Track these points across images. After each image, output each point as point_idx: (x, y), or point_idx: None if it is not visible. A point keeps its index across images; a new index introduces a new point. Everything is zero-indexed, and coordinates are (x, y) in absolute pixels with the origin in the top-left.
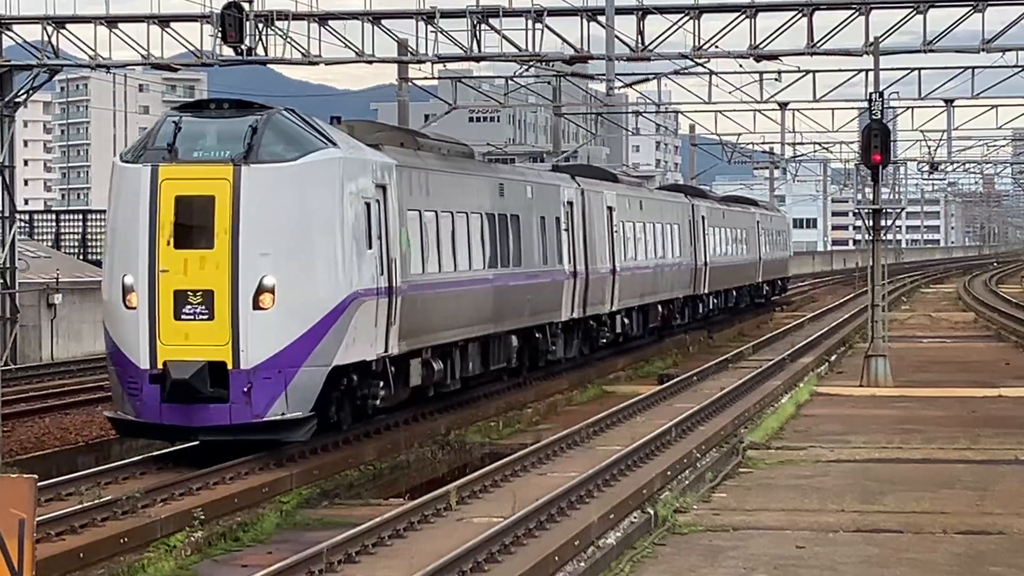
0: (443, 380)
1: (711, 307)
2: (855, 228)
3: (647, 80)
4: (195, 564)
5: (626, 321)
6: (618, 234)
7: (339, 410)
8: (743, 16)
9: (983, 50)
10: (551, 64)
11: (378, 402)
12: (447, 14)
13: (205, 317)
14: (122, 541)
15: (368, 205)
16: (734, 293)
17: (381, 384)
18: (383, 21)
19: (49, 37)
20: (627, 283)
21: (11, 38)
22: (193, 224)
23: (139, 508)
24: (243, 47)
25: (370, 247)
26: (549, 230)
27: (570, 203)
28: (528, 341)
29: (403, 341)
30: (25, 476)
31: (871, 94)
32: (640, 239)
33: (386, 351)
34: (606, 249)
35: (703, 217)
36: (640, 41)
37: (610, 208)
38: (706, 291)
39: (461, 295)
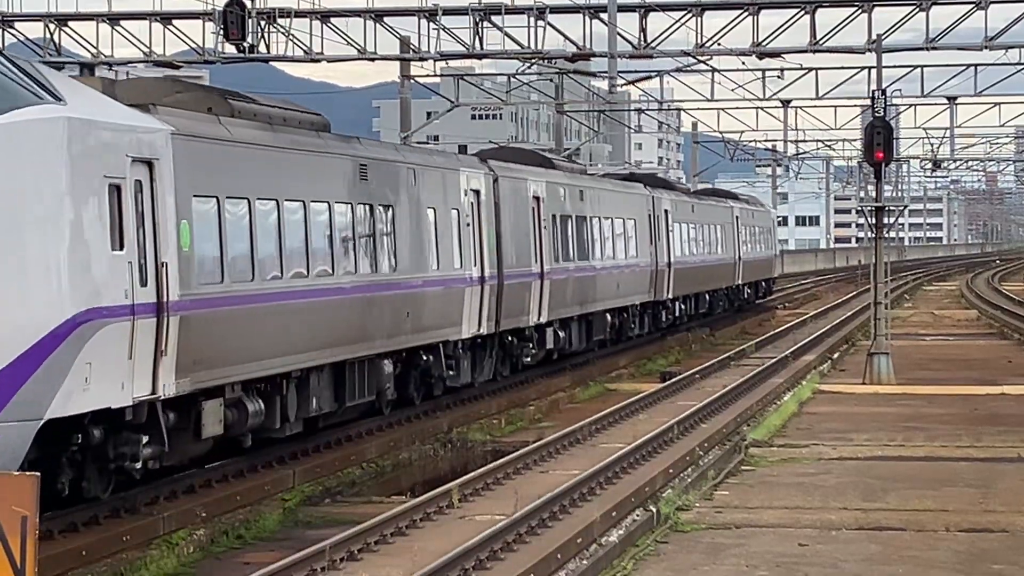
0: (269, 424)
1: (677, 314)
2: (858, 226)
3: (649, 78)
4: (198, 562)
5: (561, 334)
6: (548, 230)
7: (81, 478)
8: (746, 13)
9: (986, 47)
10: (553, 61)
11: (142, 464)
12: (449, 11)
13: None
14: (124, 539)
15: (118, 188)
16: (707, 297)
17: (146, 440)
18: (385, 18)
19: (51, 35)
20: (561, 289)
21: (13, 35)
22: None
23: (141, 506)
24: (245, 44)
25: (120, 247)
26: (442, 225)
27: (476, 191)
28: (413, 365)
29: (184, 377)
30: (28, 474)
31: (874, 91)
32: (581, 236)
33: (153, 392)
34: (530, 249)
35: (667, 211)
36: (642, 38)
37: (537, 198)
38: (670, 296)
39: (293, 311)
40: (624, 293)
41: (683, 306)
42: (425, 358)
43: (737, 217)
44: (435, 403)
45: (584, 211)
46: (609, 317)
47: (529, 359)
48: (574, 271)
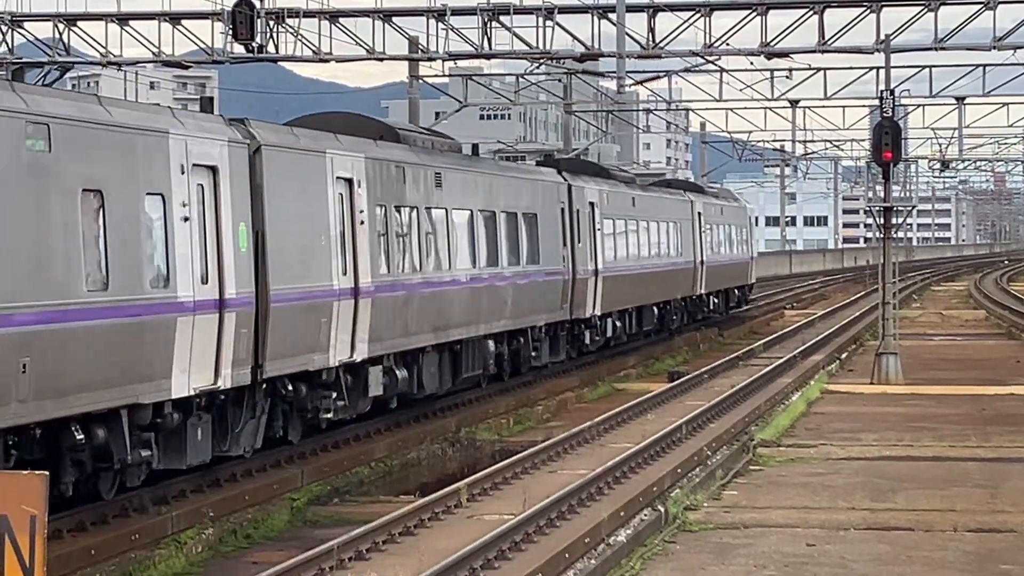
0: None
1: (605, 333)
2: (866, 226)
3: (658, 78)
4: (206, 561)
5: (399, 374)
6: (383, 233)
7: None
8: (754, 14)
9: (994, 48)
10: (562, 62)
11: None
12: (458, 11)
13: None
14: (133, 538)
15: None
16: (654, 311)
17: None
18: (394, 19)
19: (60, 34)
20: (389, 311)
21: (23, 35)
22: None
23: (150, 505)
24: (254, 44)
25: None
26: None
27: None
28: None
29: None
30: (37, 473)
31: (882, 92)
32: (441, 237)
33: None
34: (333, 260)
35: (592, 204)
36: (651, 39)
37: (349, 181)
38: (597, 312)
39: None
40: (521, 312)
41: (617, 323)
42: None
43: (699, 213)
44: (442, 403)
45: (444, 202)
46: (492, 345)
47: (328, 416)
48: (421, 286)
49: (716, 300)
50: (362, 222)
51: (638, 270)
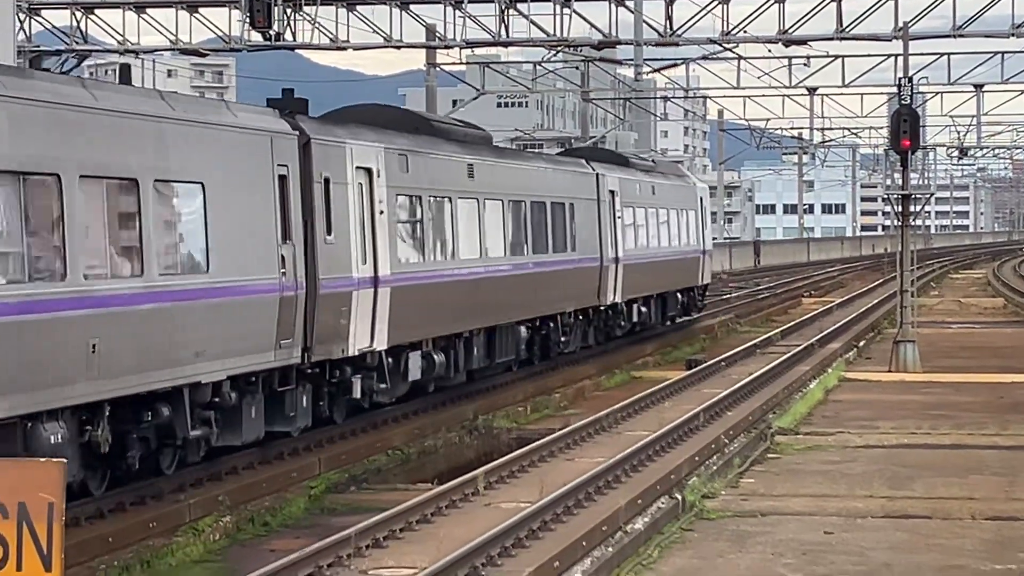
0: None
1: (414, 373)
2: (884, 214)
3: (675, 65)
4: (224, 549)
5: (437, 359)
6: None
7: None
8: (772, 1)
9: (1013, 35)
10: (579, 49)
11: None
12: None
13: None
14: (151, 526)
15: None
16: (522, 332)
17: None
18: (411, 6)
19: (78, 23)
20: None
21: (40, 23)
22: None
23: (167, 493)
24: (271, 32)
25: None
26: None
27: (611, 192)
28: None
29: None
30: (55, 460)
31: (900, 79)
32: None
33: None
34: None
35: (377, 172)
36: (668, 26)
37: (368, 171)
38: (381, 343)
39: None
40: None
41: (440, 358)
42: (549, 326)
43: (613, 192)
44: (460, 391)
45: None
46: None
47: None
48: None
49: (643, 309)
50: (382, 211)
51: (500, 273)
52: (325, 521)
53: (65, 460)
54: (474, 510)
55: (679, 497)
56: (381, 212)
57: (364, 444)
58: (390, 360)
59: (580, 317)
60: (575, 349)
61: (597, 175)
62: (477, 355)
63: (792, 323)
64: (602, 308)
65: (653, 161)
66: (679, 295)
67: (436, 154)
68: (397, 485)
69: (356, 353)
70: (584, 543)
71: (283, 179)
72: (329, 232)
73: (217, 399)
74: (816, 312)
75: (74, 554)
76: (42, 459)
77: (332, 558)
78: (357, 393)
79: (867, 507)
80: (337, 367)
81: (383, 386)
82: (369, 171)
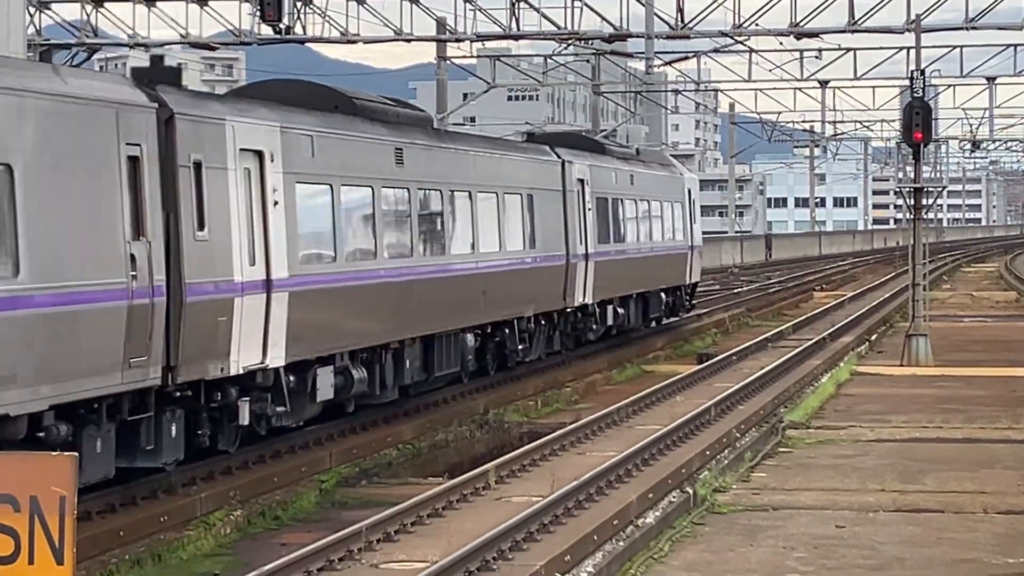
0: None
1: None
2: (896, 207)
3: (687, 58)
4: (235, 542)
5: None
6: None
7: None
8: None
9: None
10: (590, 42)
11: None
12: None
13: None
14: (162, 520)
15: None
16: (469, 340)
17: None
18: (421, 0)
19: (88, 16)
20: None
21: (50, 17)
22: None
23: (178, 487)
24: (281, 26)
25: None
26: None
27: (579, 180)
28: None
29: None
30: (66, 454)
31: (912, 72)
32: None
33: None
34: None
35: (269, 154)
36: (679, 19)
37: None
38: (279, 362)
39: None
40: (55, 377)
41: (359, 374)
42: (504, 332)
43: (582, 181)
44: (470, 385)
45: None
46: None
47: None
48: None
49: (621, 310)
50: (277, 202)
51: (415, 274)
52: (336, 515)
53: (76, 454)
54: (485, 504)
55: (690, 491)
56: (276, 203)
57: (375, 438)
58: (291, 378)
59: (543, 321)
60: (539, 356)
61: (563, 162)
62: (410, 368)
63: (804, 317)
64: (569, 310)
65: (637, 150)
66: (663, 295)
67: (353, 136)
68: (408, 479)
69: (241, 371)
70: (595, 537)
71: (134, 161)
72: (201, 227)
73: (42, 434)
74: (828, 306)
75: (85, 548)
76: (54, 453)
77: (343, 552)
78: (245, 419)
79: (879, 501)
80: (218, 388)
81: (281, 409)
82: (260, 154)
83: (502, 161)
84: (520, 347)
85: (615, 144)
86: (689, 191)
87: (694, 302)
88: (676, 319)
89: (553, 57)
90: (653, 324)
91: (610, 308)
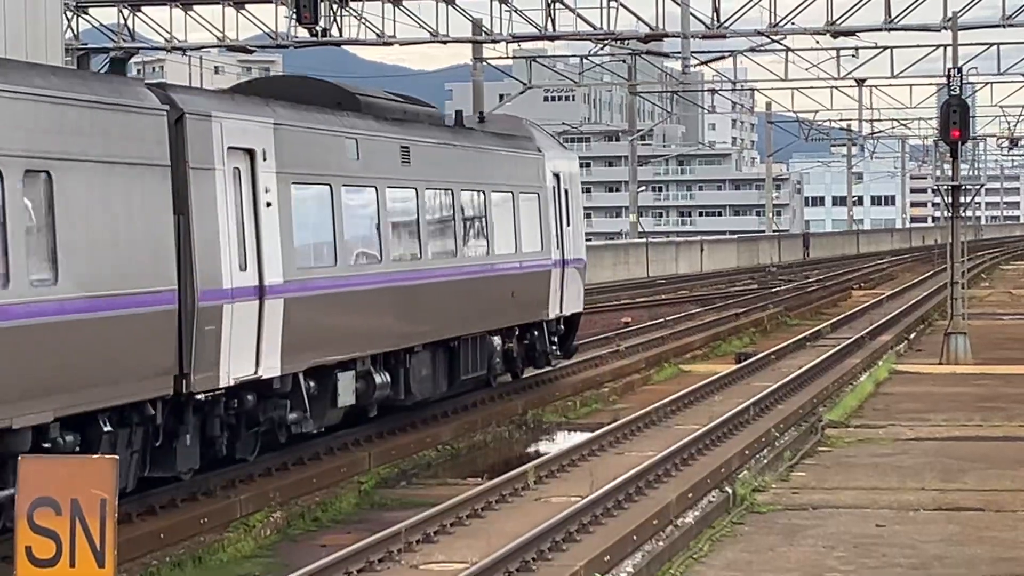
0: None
1: None
2: (934, 205)
3: (723, 57)
4: (275, 544)
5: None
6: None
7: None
8: None
9: None
10: (626, 42)
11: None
12: None
13: None
14: (202, 522)
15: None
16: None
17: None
18: (457, 1)
19: (125, 20)
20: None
21: (88, 21)
22: None
23: (218, 489)
24: (318, 28)
25: None
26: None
27: (556, 175)
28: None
29: None
30: (107, 456)
31: (950, 69)
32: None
33: None
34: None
35: (343, 185)
36: (716, 18)
37: (250, 152)
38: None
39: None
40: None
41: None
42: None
43: (250, 152)
44: (511, 385)
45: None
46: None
47: None
48: None
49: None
50: (270, 204)
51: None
52: (375, 516)
53: (117, 457)
54: (524, 505)
55: (730, 491)
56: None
57: (413, 439)
58: (311, 384)
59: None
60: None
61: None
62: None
63: (842, 316)
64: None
65: (482, 116)
66: (497, 339)
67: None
68: (447, 479)
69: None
70: (635, 537)
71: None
72: None
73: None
74: (866, 304)
75: (126, 550)
76: (95, 456)
77: (383, 553)
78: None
79: (919, 500)
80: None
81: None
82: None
83: None
84: None
85: (382, 93)
86: (557, 177)
87: (576, 344)
88: (538, 371)
89: (589, 57)
90: (482, 386)
91: (309, 382)
